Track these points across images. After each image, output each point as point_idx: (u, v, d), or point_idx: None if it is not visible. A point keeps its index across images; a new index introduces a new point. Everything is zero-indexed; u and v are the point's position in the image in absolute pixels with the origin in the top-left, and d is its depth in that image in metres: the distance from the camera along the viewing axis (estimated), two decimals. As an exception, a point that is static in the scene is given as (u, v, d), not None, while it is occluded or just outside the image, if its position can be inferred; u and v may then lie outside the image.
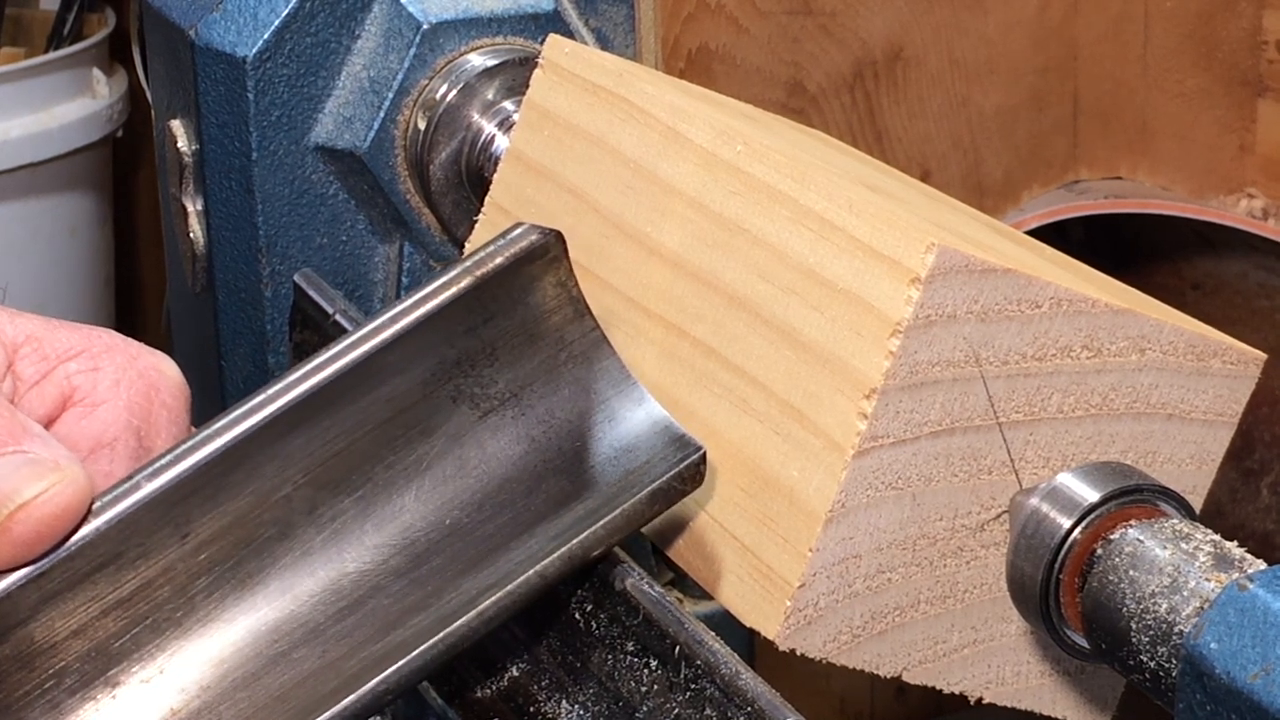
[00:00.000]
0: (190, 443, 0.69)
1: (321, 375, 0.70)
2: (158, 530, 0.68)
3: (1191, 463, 0.77)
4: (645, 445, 0.73)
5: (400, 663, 0.68)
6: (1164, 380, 0.75)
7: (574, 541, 0.71)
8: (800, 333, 0.72)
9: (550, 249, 0.73)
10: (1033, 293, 0.71)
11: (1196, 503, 0.77)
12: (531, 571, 0.70)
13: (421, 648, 0.68)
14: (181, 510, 0.68)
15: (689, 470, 0.72)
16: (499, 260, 0.73)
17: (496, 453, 0.73)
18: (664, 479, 0.72)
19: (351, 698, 0.67)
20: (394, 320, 0.71)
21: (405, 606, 0.70)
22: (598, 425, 0.74)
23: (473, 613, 0.69)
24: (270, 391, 0.70)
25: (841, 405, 0.70)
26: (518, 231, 0.73)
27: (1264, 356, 0.78)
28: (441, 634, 0.68)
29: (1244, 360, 0.77)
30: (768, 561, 0.71)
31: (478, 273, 0.73)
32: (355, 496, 0.71)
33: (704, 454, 0.73)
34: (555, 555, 0.70)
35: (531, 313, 0.74)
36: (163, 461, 0.68)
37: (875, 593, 0.71)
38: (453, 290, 0.72)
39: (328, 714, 0.66)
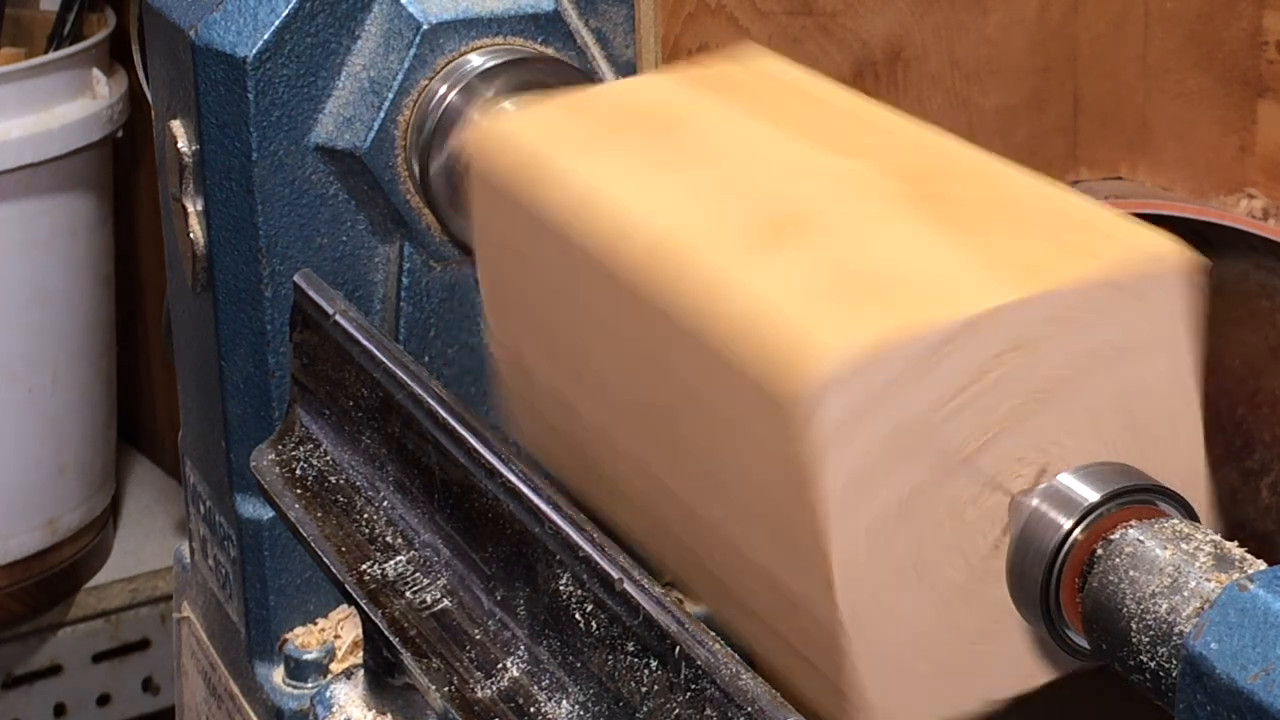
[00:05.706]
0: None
1: None
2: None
3: (1169, 400, 0.73)
4: None
5: None
6: (1095, 335, 0.71)
7: None
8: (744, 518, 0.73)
9: None
10: (939, 337, 0.68)
11: (1198, 463, 0.74)
12: None
13: None
14: None
15: None
16: None
17: None
18: None
19: None
20: None
21: None
22: None
23: None
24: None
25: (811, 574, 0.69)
26: None
27: (1176, 253, 0.73)
28: None
29: (1157, 273, 0.72)
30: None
31: None
32: None
33: None
34: None
35: None
36: None
37: (934, 663, 0.71)
38: None
39: None
